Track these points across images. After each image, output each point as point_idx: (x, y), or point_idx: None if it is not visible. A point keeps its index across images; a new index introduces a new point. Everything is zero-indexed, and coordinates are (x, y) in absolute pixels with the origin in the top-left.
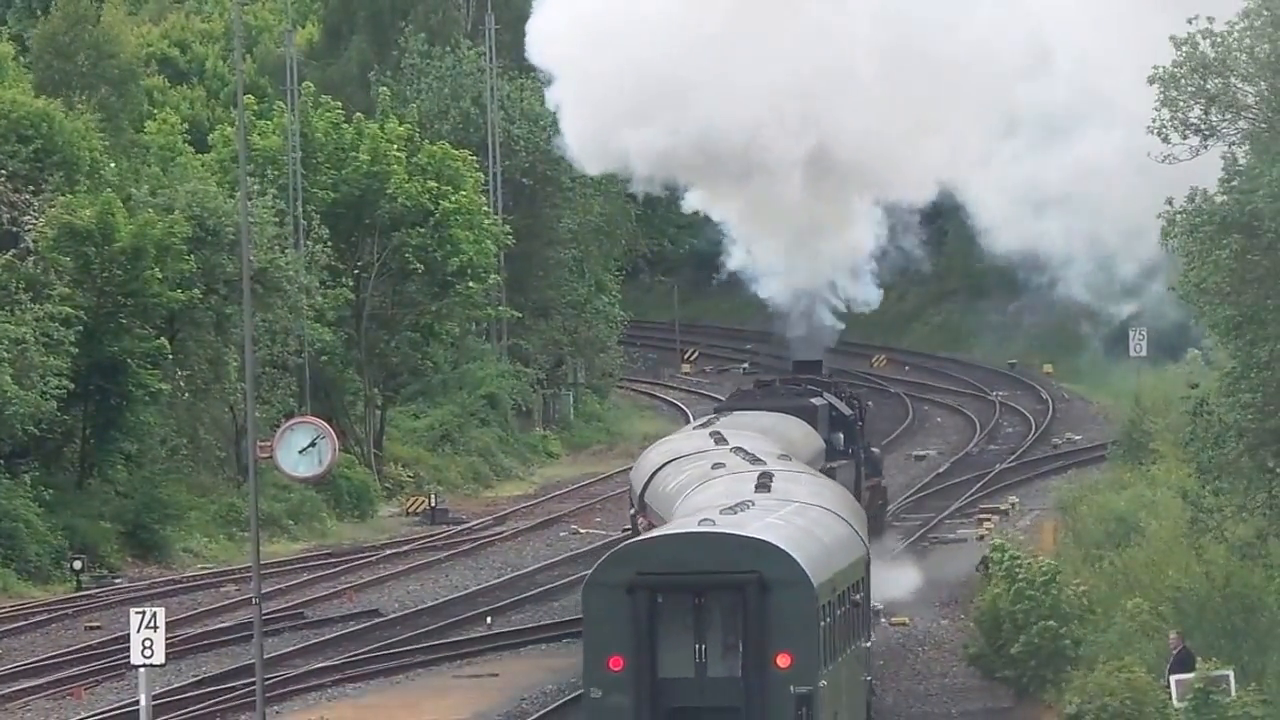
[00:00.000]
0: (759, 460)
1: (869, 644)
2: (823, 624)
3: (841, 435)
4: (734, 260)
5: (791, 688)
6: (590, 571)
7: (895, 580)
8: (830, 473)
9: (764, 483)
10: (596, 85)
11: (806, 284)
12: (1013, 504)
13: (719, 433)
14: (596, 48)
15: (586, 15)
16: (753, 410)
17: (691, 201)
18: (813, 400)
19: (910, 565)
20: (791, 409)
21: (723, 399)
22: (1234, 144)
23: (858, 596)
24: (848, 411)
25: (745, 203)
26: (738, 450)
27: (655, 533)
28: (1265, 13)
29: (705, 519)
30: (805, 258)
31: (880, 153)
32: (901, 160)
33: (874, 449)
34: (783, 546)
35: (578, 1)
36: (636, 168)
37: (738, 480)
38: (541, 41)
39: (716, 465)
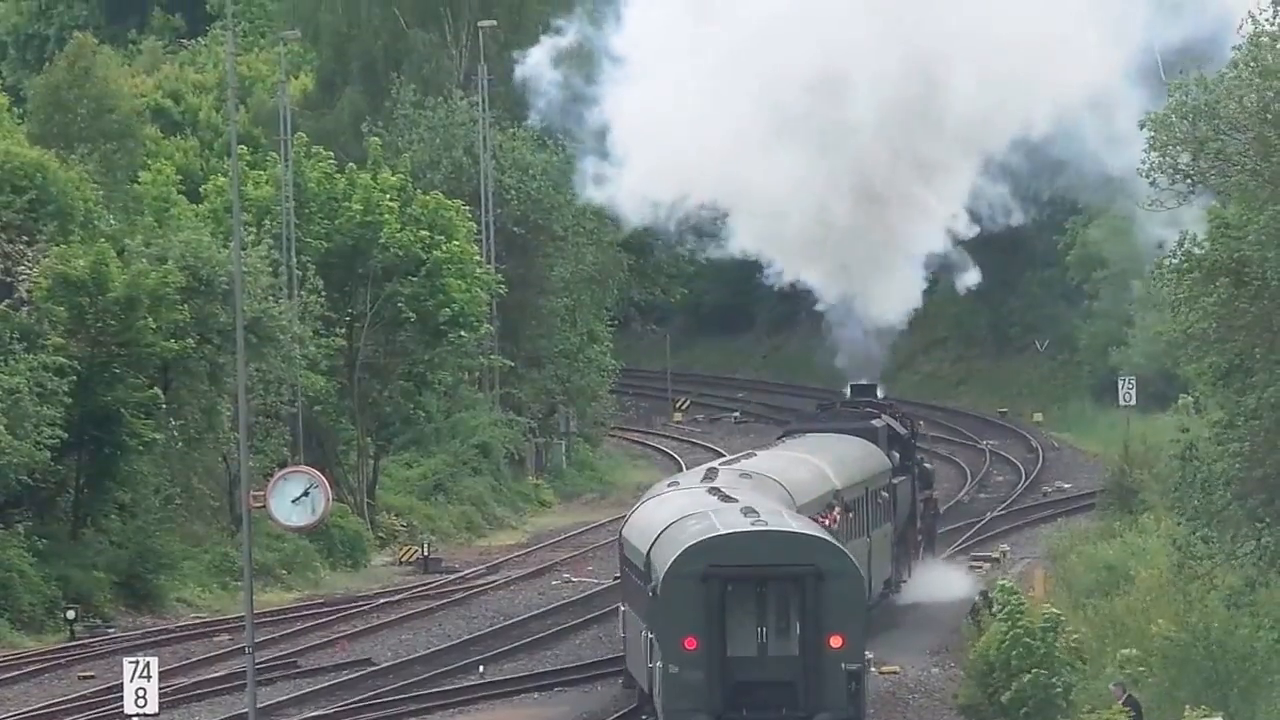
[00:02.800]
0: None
1: None
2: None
3: (899, 454)
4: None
5: (843, 665)
6: (669, 564)
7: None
8: (893, 489)
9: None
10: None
11: (859, 314)
12: (1004, 552)
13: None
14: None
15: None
16: (819, 432)
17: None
18: (873, 422)
19: (956, 572)
20: (855, 430)
21: (719, 449)
22: (1221, 193)
23: None
24: (903, 431)
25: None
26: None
27: (724, 530)
28: (1253, 63)
29: (759, 519)
30: (860, 293)
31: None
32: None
33: (926, 465)
34: (835, 543)
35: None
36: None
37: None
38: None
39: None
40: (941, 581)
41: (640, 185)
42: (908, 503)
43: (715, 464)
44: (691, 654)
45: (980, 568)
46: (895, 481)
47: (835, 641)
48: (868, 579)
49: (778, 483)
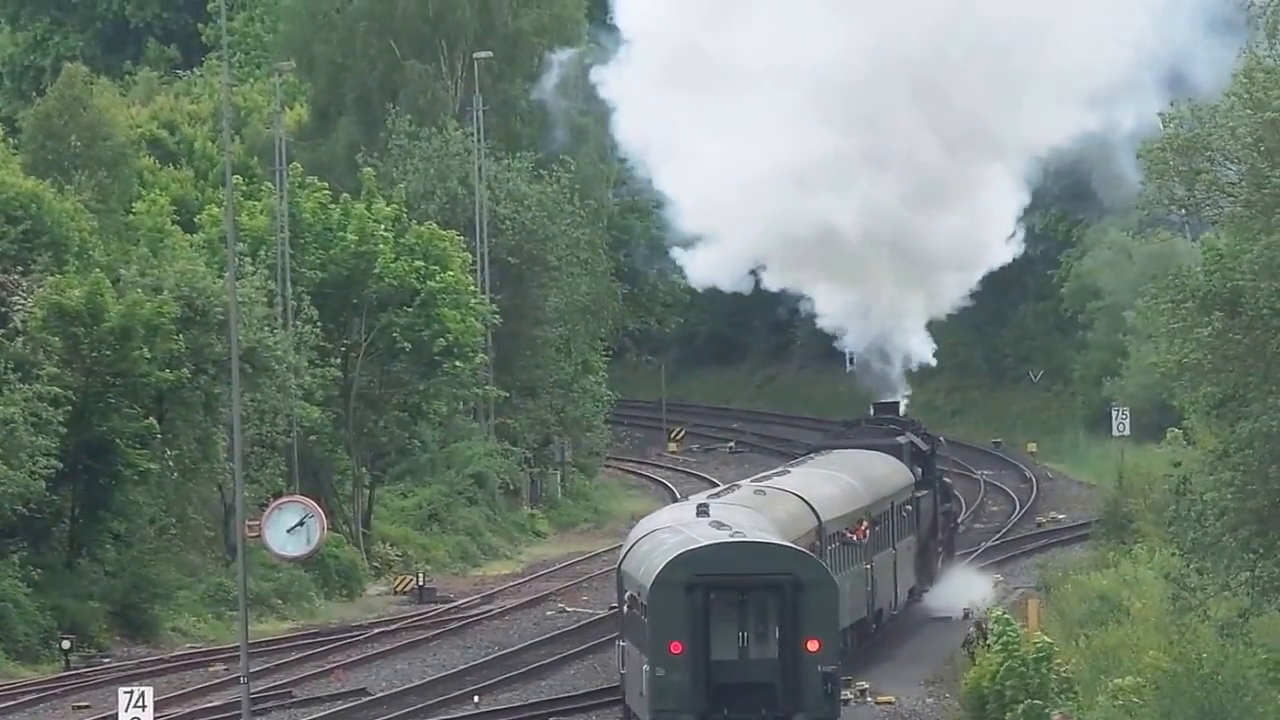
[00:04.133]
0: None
1: None
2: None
3: (921, 469)
4: (822, 322)
5: (819, 667)
6: (655, 574)
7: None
8: (916, 502)
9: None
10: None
11: (881, 335)
12: (997, 582)
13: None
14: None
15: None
16: (846, 449)
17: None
18: (897, 439)
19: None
20: (880, 446)
21: (714, 479)
22: (1215, 224)
23: None
24: (925, 446)
25: (837, 279)
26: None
27: (707, 542)
28: (1245, 95)
29: (737, 532)
30: (883, 315)
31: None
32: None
33: (945, 479)
34: (810, 555)
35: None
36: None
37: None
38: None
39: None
40: (961, 590)
41: (738, 258)
42: (929, 515)
43: (745, 481)
44: (677, 658)
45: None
46: (918, 495)
47: (812, 645)
48: (893, 588)
49: (804, 500)
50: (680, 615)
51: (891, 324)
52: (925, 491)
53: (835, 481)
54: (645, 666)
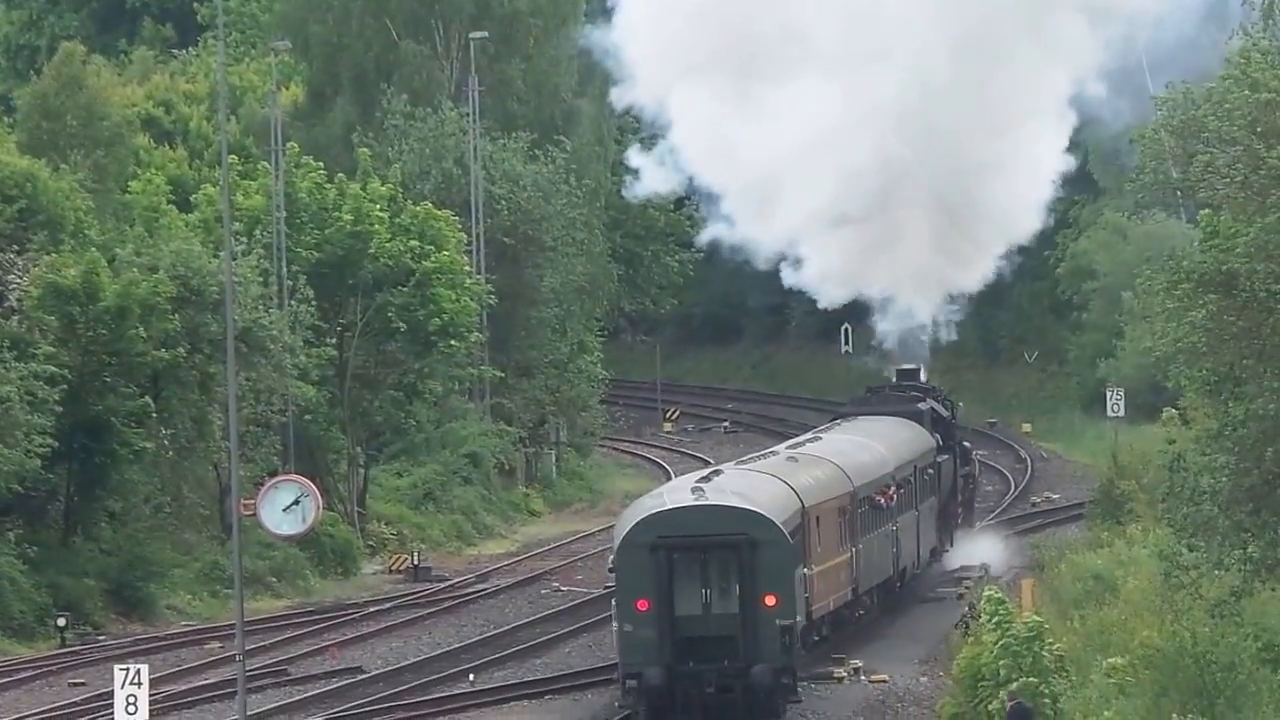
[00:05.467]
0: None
1: None
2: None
3: (941, 434)
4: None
5: (777, 621)
6: (623, 536)
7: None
8: (937, 466)
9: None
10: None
11: (907, 305)
12: (986, 569)
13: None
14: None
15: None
16: (870, 416)
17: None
18: (919, 405)
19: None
20: (902, 413)
21: (709, 458)
22: (1211, 206)
23: None
24: (945, 412)
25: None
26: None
27: (671, 505)
28: (1241, 76)
29: (700, 490)
30: (909, 287)
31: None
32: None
33: (965, 443)
34: (767, 515)
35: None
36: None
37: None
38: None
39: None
40: (979, 549)
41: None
42: (950, 478)
43: (779, 446)
44: (644, 614)
45: (969, 578)
46: (939, 460)
47: (769, 600)
48: (917, 548)
49: (838, 465)
50: (646, 574)
51: (921, 294)
52: (945, 455)
53: (864, 447)
54: (614, 623)
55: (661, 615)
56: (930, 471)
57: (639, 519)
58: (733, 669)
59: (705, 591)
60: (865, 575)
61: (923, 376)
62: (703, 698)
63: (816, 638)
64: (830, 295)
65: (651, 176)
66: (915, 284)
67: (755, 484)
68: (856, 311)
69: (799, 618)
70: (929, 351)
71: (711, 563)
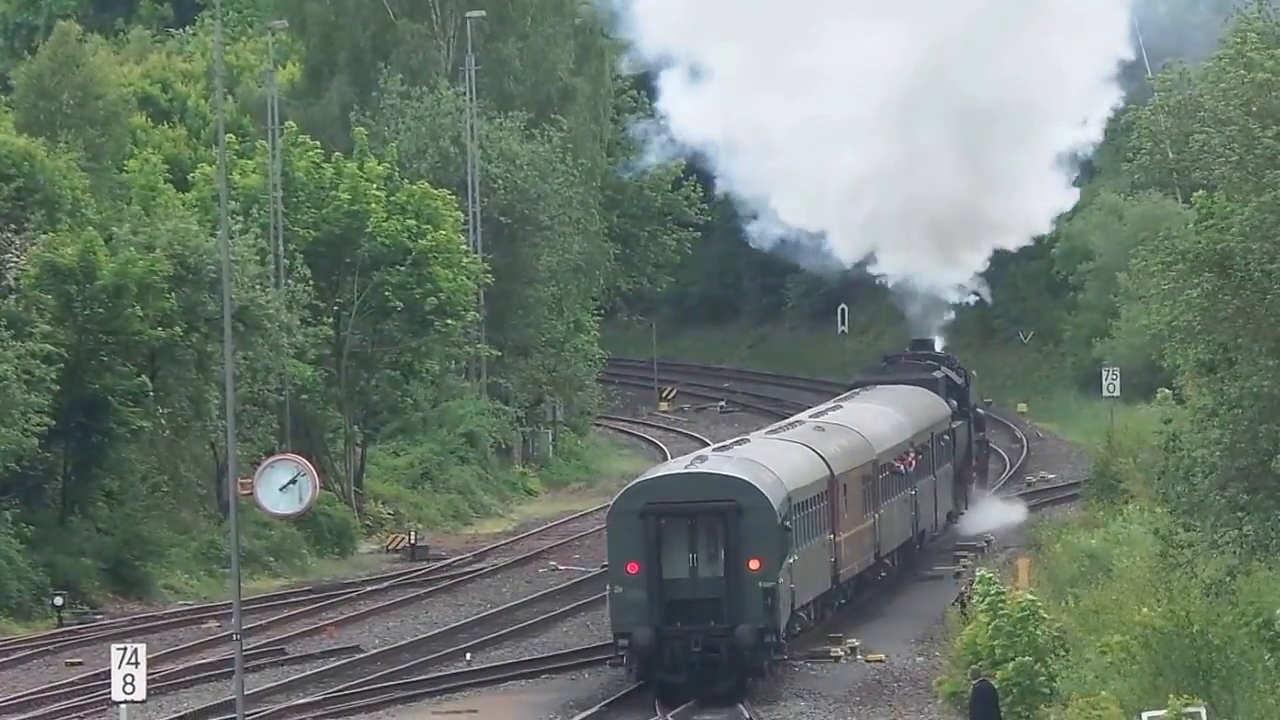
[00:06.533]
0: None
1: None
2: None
3: (956, 401)
4: (879, 267)
5: (760, 584)
6: (612, 502)
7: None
8: (953, 433)
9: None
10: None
11: (925, 280)
12: (988, 542)
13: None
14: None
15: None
16: (888, 384)
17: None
18: (934, 373)
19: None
20: (918, 381)
21: (705, 438)
22: (1206, 186)
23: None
24: (959, 380)
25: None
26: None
27: (660, 472)
28: (1237, 56)
29: (698, 458)
30: (932, 262)
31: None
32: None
33: (979, 409)
34: (752, 482)
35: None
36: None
37: None
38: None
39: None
40: (993, 512)
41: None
42: (965, 444)
43: (802, 415)
44: (634, 577)
45: (966, 556)
46: (954, 426)
47: (753, 564)
48: (934, 512)
49: (860, 434)
50: (635, 539)
51: (939, 268)
52: (960, 422)
53: (884, 415)
54: (606, 586)
55: (650, 578)
56: (946, 438)
57: (629, 486)
58: (718, 629)
59: (692, 555)
60: (887, 539)
61: (937, 346)
62: (689, 656)
63: (842, 601)
64: (846, 252)
65: (659, 142)
66: (936, 252)
67: (782, 452)
68: (854, 292)
69: (782, 580)
70: (944, 320)
71: (699, 528)
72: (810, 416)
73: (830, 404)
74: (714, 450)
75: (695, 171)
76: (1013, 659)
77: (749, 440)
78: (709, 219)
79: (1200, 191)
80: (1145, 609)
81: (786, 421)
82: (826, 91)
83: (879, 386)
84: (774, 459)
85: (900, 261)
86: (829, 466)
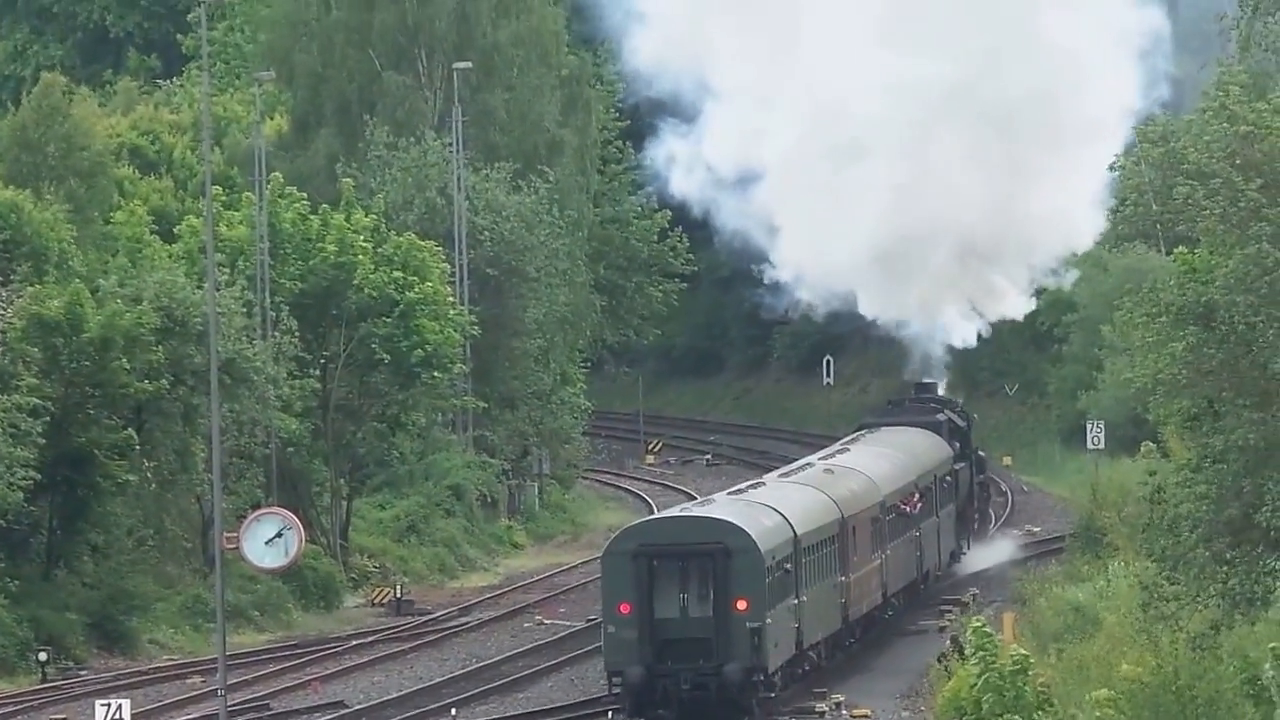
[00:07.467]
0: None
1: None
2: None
3: (959, 443)
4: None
5: (747, 624)
6: (607, 544)
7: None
8: (955, 474)
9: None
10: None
11: (924, 326)
12: (973, 595)
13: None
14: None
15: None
16: (892, 426)
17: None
18: (937, 416)
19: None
20: (922, 424)
21: (691, 491)
22: (1189, 239)
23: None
24: (961, 423)
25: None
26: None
27: (653, 517)
28: (1220, 108)
29: (705, 501)
30: (929, 311)
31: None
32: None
33: (980, 452)
34: (740, 525)
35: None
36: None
37: None
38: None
39: None
40: (994, 552)
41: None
42: (967, 485)
43: (812, 457)
44: (626, 616)
45: (951, 610)
46: (957, 468)
47: (741, 605)
48: (938, 551)
49: (868, 476)
50: (628, 580)
51: (941, 311)
52: (963, 464)
53: (890, 458)
54: (601, 624)
55: (642, 618)
56: (949, 479)
57: (624, 529)
58: (707, 668)
59: (683, 596)
60: (893, 579)
61: (940, 389)
62: (680, 694)
63: (851, 640)
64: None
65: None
66: (945, 296)
67: (794, 496)
68: (839, 344)
69: (770, 620)
70: (945, 364)
71: (690, 570)
72: (820, 459)
73: (838, 446)
74: (728, 494)
75: (681, 222)
76: (1001, 715)
77: (764, 484)
78: (695, 270)
79: (1181, 247)
80: (1130, 664)
81: (797, 464)
82: (844, 126)
83: (884, 428)
84: (787, 503)
85: (911, 300)
86: (840, 509)
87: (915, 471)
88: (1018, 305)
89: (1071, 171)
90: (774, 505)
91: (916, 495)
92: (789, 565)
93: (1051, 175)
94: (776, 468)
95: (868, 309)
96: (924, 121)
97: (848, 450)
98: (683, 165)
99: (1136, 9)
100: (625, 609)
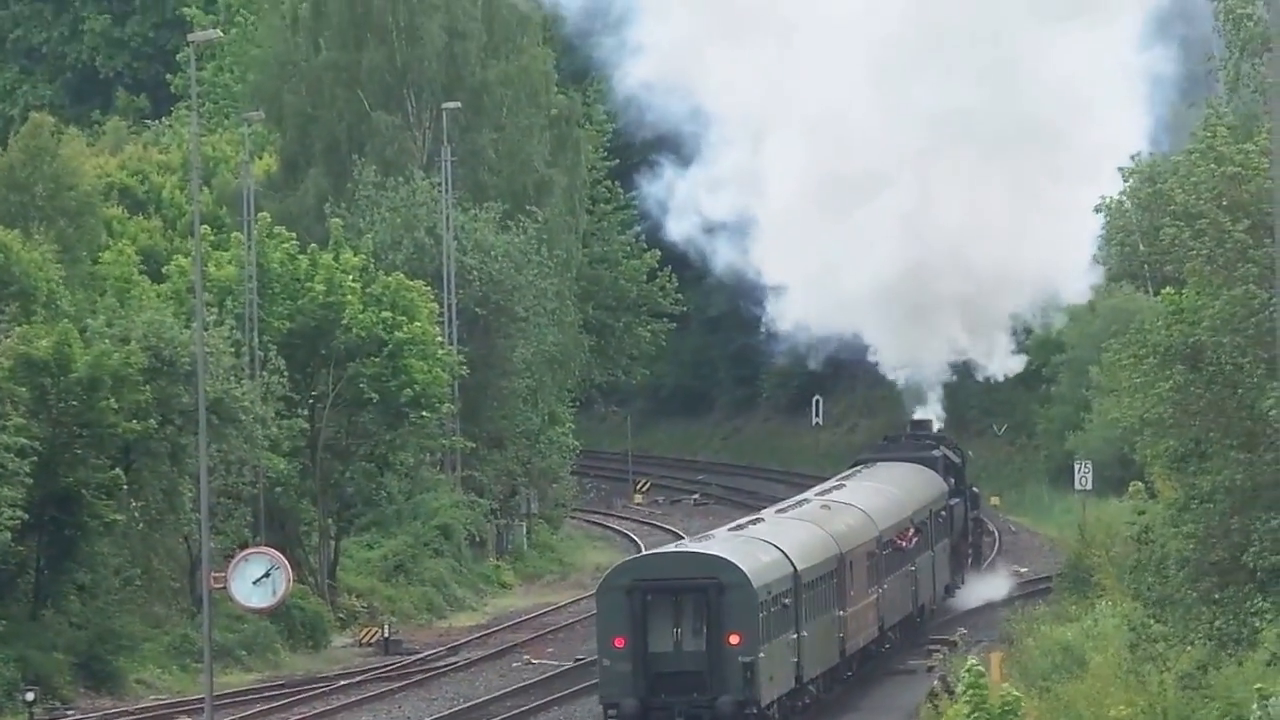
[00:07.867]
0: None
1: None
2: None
3: (954, 479)
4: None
5: (740, 658)
6: (602, 579)
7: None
8: (950, 509)
9: None
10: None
11: (921, 364)
12: (961, 635)
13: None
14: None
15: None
16: (888, 462)
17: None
18: (933, 452)
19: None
20: (917, 459)
21: (679, 530)
22: (1176, 279)
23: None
24: (956, 459)
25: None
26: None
27: (647, 552)
28: (1207, 149)
29: (703, 537)
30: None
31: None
32: None
33: (974, 488)
34: (733, 561)
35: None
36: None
37: None
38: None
39: None
40: (987, 586)
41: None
42: (961, 520)
43: (809, 493)
44: (620, 650)
45: (938, 650)
46: (952, 503)
47: (734, 639)
48: (933, 586)
49: (865, 512)
50: (622, 613)
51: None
52: (957, 499)
53: (886, 494)
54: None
55: (636, 651)
56: (944, 514)
57: (619, 563)
58: (700, 701)
59: (677, 630)
60: (889, 613)
61: (935, 426)
62: None
63: (849, 673)
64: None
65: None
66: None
67: (793, 532)
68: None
69: (763, 654)
70: (940, 401)
71: (684, 604)
72: (816, 495)
73: (834, 481)
74: (727, 530)
75: (670, 262)
76: None
77: (762, 520)
78: (684, 310)
79: (1168, 288)
80: (1119, 705)
81: (794, 500)
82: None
83: (880, 464)
84: (785, 538)
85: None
86: (838, 545)
87: (911, 507)
88: (1014, 363)
89: (1067, 218)
90: (772, 541)
91: (912, 530)
92: (787, 600)
93: (1053, 217)
94: (764, 507)
95: (874, 343)
96: (927, 153)
97: (844, 486)
98: (676, 209)
99: (1140, 52)
100: (620, 642)
